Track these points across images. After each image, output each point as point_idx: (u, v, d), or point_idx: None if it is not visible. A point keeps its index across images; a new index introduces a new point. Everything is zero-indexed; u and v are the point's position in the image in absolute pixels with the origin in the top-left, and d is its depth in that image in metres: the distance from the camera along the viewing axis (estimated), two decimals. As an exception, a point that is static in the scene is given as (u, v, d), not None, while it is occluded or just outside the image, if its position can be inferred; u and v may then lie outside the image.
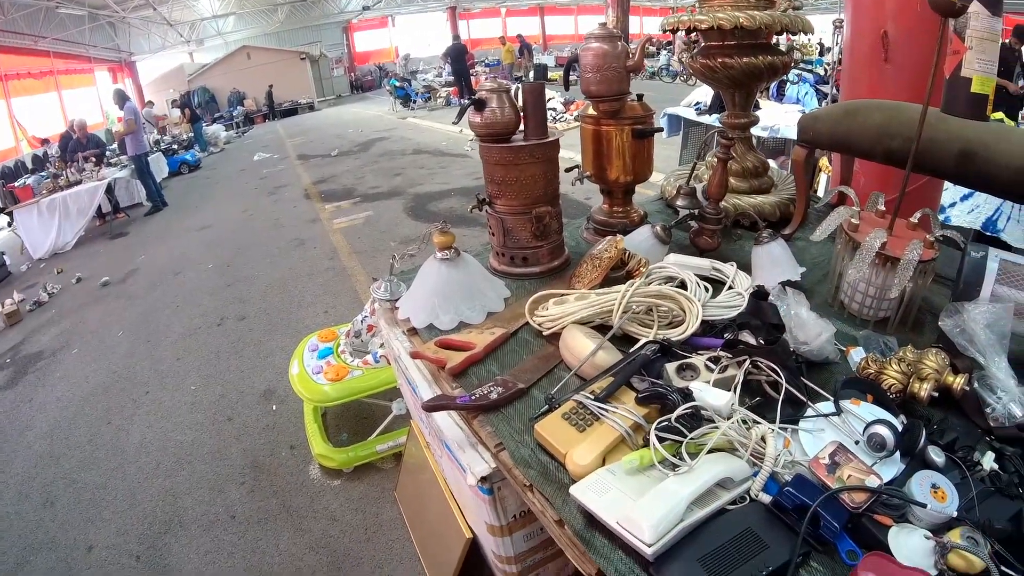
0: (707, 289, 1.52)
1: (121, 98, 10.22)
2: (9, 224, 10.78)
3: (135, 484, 3.52)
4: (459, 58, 16.66)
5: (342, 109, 23.22)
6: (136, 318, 6.05)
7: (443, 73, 20.04)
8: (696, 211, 1.78)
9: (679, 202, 1.85)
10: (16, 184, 12.54)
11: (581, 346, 1.29)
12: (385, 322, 1.80)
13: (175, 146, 14.97)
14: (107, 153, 11.59)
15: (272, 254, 7.16)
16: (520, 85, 1.67)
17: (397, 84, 18.88)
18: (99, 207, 9.96)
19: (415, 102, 18.51)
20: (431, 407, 1.26)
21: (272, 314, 5.50)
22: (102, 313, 6.38)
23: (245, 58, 25.36)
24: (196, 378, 4.61)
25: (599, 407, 1.11)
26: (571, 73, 1.99)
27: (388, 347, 1.86)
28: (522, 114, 1.69)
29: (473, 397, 1.25)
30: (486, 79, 2.97)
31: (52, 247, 9.26)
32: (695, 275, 1.55)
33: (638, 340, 1.35)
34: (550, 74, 20.02)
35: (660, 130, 1.89)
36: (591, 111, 1.85)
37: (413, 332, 1.63)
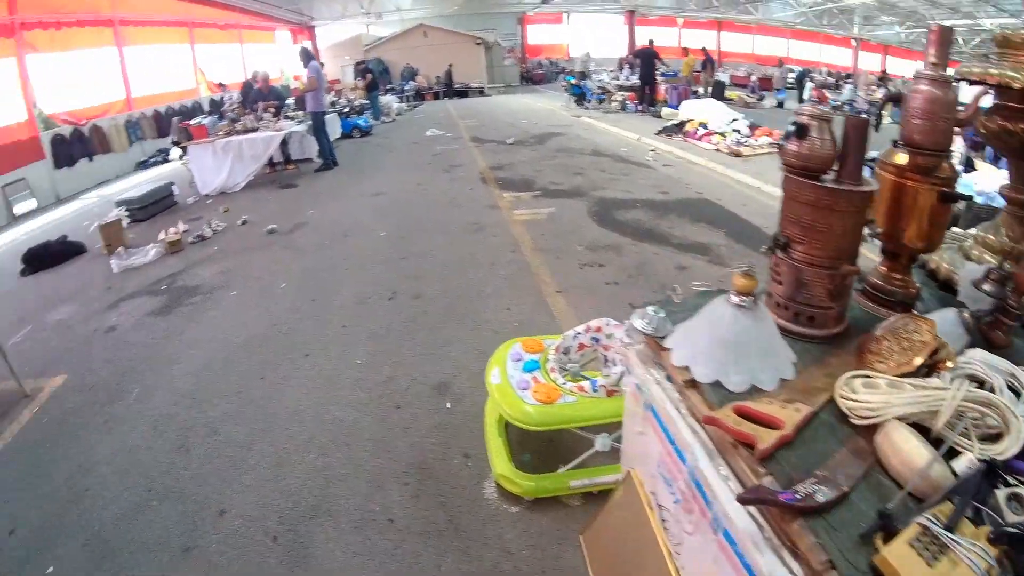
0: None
1: (307, 56, 10.02)
2: (181, 157, 11.06)
3: (283, 454, 3.12)
4: (649, 63, 15.65)
5: (512, 98, 22.92)
6: (302, 273, 5.51)
7: (620, 76, 19.06)
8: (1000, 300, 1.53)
9: (986, 287, 1.56)
10: (191, 122, 12.91)
11: (916, 454, 1.08)
12: (639, 359, 1.60)
13: (347, 110, 15.04)
14: (284, 106, 11.57)
15: (449, 232, 6.45)
16: (843, 118, 1.43)
17: (574, 81, 18.17)
18: (271, 156, 9.88)
19: (589, 101, 17.73)
20: (749, 500, 1.09)
21: (450, 298, 4.82)
22: (267, 261, 5.92)
23: (421, 36, 25.72)
24: (362, 352, 4.08)
25: (952, 540, 0.94)
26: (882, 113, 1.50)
27: (634, 386, 1.64)
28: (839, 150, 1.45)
29: (797, 496, 1.04)
30: (810, 102, 2.07)
31: (221, 186, 9.22)
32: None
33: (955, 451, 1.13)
34: (727, 92, 19.24)
35: (969, 198, 1.76)
36: (897, 159, 1.53)
37: (691, 384, 1.39)
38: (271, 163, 10.14)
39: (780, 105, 18.34)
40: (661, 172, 8.98)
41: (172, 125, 13.78)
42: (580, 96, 17.99)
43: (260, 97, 10.40)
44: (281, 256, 6.05)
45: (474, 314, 4.51)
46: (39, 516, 2.85)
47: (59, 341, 4.67)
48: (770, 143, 9.99)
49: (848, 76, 22.94)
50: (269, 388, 3.72)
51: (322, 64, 16.79)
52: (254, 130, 9.67)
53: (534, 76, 31.00)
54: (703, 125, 11.34)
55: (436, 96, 24.73)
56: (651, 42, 16.49)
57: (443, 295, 4.89)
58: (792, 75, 21.48)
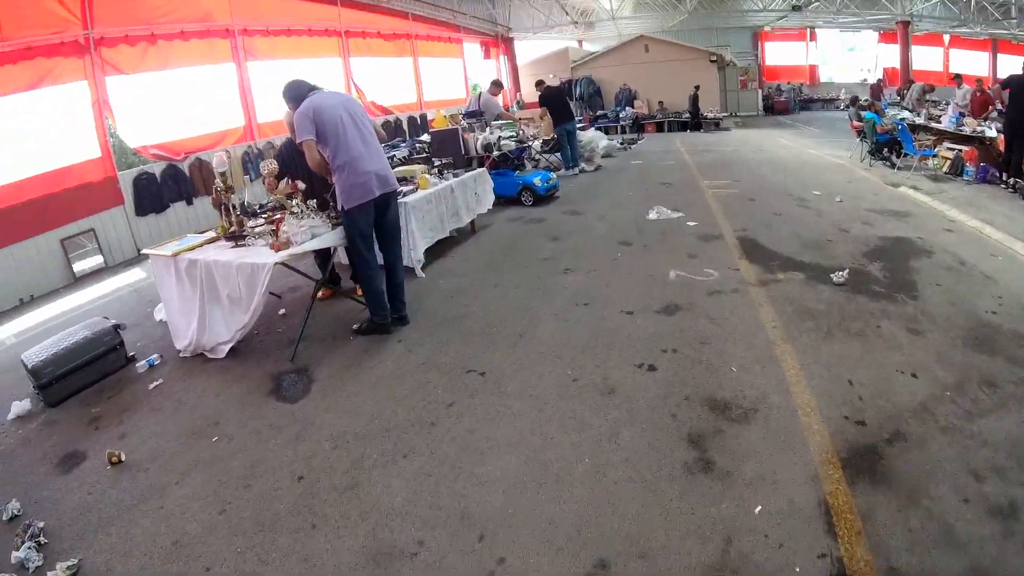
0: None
1: (294, 94, 4.37)
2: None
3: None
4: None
5: (761, 136, 16.00)
6: None
7: (945, 116, 11.20)
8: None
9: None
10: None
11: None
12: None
13: (513, 155, 9.45)
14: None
15: None
16: None
17: (883, 122, 10.91)
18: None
19: (901, 156, 10.47)
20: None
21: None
22: None
23: (642, 50, 19.68)
24: None
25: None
26: None
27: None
28: None
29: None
30: None
31: (193, 343, 4.36)
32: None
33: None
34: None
35: None
36: None
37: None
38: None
39: None
40: None
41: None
42: (881, 145, 10.75)
43: (289, 163, 4.96)
44: None
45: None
46: None
47: None
48: None
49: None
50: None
51: (499, 89, 11.47)
52: (241, 237, 4.36)
53: (776, 104, 23.57)
54: None
55: (659, 127, 18.61)
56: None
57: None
58: None
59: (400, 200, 5.59)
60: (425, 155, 8.02)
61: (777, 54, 26.25)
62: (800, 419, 3.14)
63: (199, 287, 4.25)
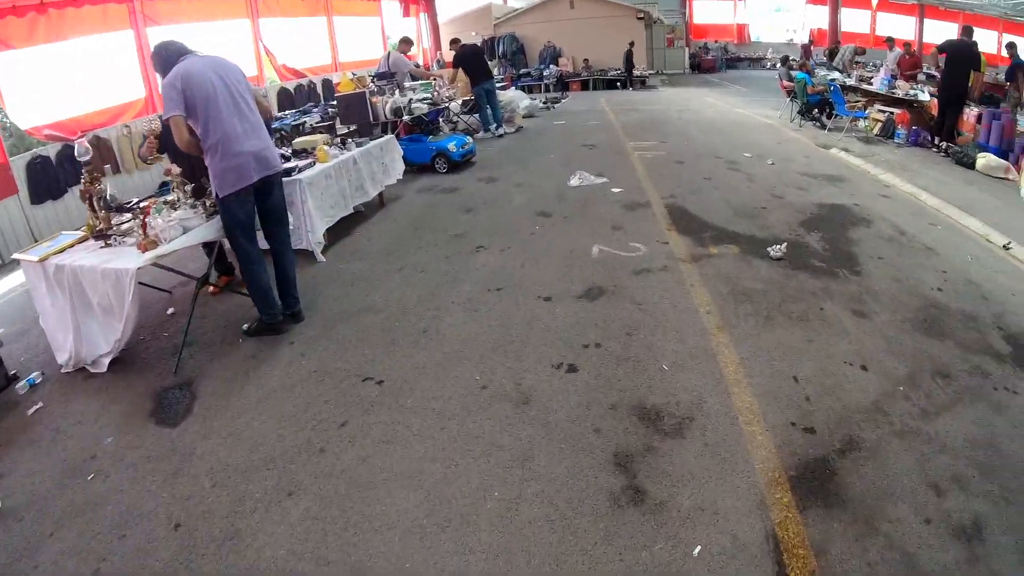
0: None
1: (163, 60, 3.62)
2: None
3: None
4: (961, 66, 7.99)
5: (689, 95, 15.70)
6: None
7: (877, 78, 11.10)
8: None
9: None
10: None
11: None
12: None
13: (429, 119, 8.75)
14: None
15: None
16: None
17: (813, 83, 10.65)
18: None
19: (832, 118, 10.30)
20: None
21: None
22: None
23: (567, 7, 18.89)
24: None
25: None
26: None
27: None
28: None
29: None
30: None
31: (73, 356, 3.59)
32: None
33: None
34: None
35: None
36: None
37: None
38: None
39: None
40: None
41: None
42: (812, 106, 10.55)
43: (167, 141, 4.12)
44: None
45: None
46: None
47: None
48: None
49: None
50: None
51: (408, 47, 10.45)
52: (108, 237, 3.59)
53: (703, 63, 23.37)
54: None
55: (584, 85, 18.01)
56: (967, 31, 8.63)
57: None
58: None
59: (295, 177, 4.84)
60: (330, 123, 7.19)
61: (705, 12, 25.87)
62: (742, 428, 2.71)
63: (68, 295, 3.47)
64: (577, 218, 5.67)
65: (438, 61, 18.26)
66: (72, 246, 3.66)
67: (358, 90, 7.48)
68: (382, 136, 6.42)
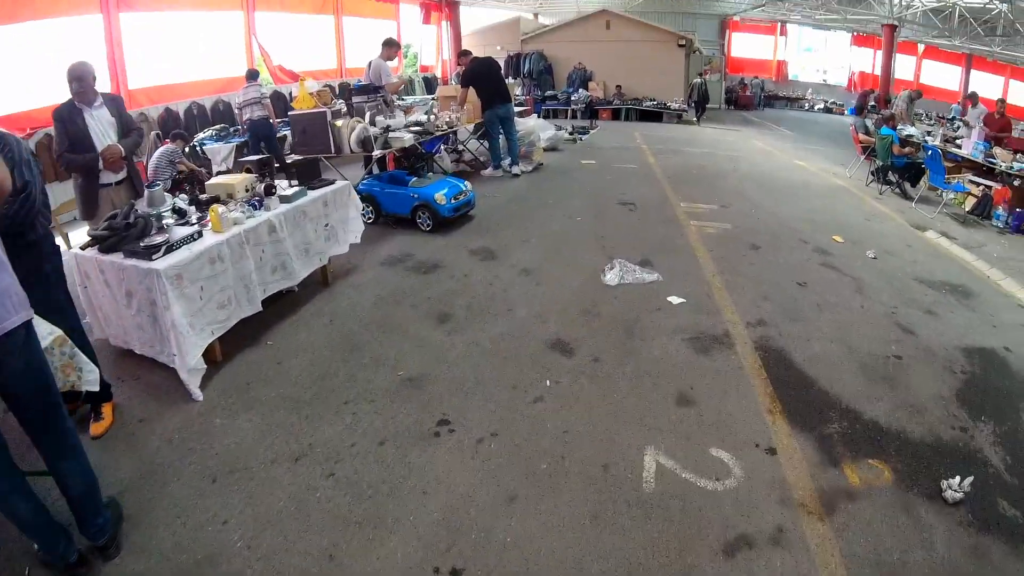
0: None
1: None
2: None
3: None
4: None
5: (734, 136, 13.80)
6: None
7: (967, 141, 8.91)
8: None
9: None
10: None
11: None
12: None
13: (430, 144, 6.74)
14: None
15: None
16: None
17: (900, 141, 8.53)
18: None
19: (913, 186, 8.26)
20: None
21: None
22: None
23: (603, 27, 17.04)
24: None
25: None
26: None
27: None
28: None
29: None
30: None
31: None
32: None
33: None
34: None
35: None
36: None
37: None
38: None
39: None
40: None
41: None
42: (897, 170, 8.36)
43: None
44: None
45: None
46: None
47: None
48: None
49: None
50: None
51: (394, 51, 7.79)
52: None
53: (740, 98, 21.49)
54: None
55: (615, 115, 16.04)
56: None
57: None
58: None
59: (151, 261, 2.88)
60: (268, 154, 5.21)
61: (744, 46, 24.10)
62: None
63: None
64: (616, 367, 3.46)
65: (457, 75, 16.36)
66: None
67: (318, 108, 5.49)
68: (329, 184, 4.38)
